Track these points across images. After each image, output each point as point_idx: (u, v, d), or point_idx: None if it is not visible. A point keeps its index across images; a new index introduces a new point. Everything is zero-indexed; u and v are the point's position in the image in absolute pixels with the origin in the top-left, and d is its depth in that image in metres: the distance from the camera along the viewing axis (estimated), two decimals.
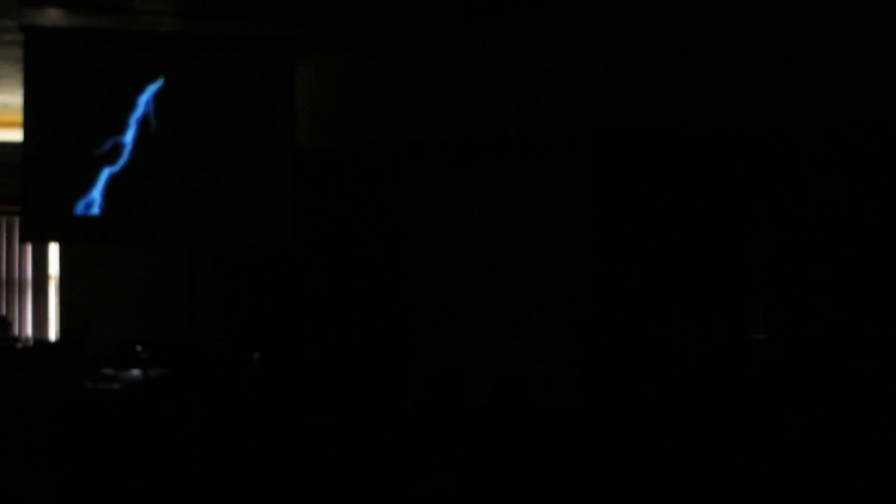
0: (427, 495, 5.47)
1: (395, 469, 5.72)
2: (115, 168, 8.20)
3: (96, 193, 8.19)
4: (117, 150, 8.20)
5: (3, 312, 11.96)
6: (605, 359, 7.64)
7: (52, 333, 11.90)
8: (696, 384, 7.29)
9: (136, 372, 8.25)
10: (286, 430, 6.40)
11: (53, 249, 11.94)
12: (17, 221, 11.70)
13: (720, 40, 6.78)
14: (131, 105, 8.19)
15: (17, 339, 10.83)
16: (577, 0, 7.35)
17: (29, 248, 12.29)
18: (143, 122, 8.21)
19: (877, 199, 6.67)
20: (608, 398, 7.54)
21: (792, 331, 7.07)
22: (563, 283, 8.52)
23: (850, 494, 5.42)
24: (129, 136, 8.20)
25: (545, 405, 6.66)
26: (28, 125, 8.09)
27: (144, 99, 8.21)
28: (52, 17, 7.95)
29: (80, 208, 8.18)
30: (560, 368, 8.21)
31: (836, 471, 5.57)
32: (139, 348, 8.64)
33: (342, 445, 5.98)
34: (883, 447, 5.65)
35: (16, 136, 9.17)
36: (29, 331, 12.14)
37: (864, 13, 6.14)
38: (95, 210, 8.18)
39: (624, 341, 7.56)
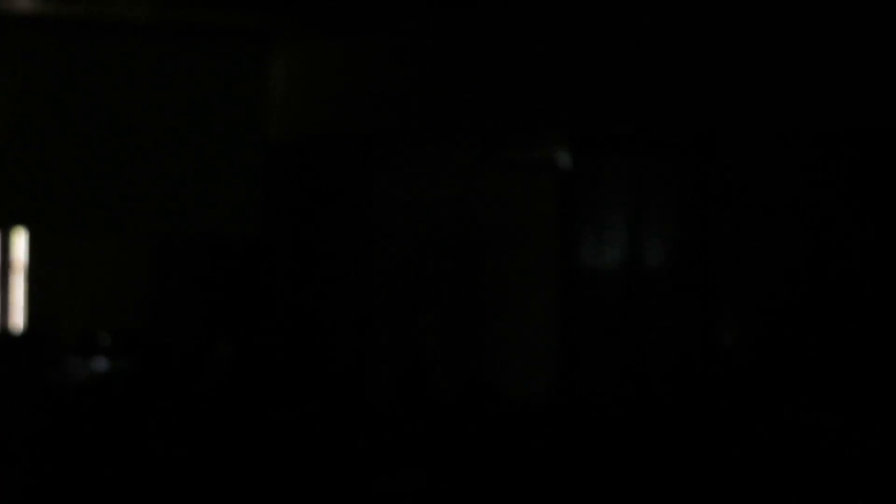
0: (394, 490, 5.46)
1: (362, 464, 5.70)
2: (83, 156, 8.14)
3: (63, 181, 8.13)
4: (86, 138, 8.14)
5: None
6: (577, 355, 7.66)
7: (20, 322, 11.78)
8: (668, 382, 7.31)
9: (101, 362, 8.19)
10: (254, 424, 6.38)
11: (21, 237, 11.84)
12: None
13: None
14: (100, 94, 8.13)
15: None
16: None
17: None
18: (113, 112, 8.15)
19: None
20: (580, 395, 7.55)
21: (761, 333, 7.10)
22: (534, 279, 8.50)
23: (821, 496, 5.44)
24: (97, 125, 8.14)
25: (517, 400, 6.66)
26: None
27: (114, 88, 8.14)
28: (21, 5, 7.87)
29: (46, 196, 8.13)
30: (531, 364, 8.20)
31: (805, 472, 5.59)
32: (107, 337, 8.57)
33: (309, 441, 5.96)
34: (855, 450, 5.68)
35: None
36: None
37: None
38: (62, 198, 8.14)
39: (598, 338, 7.59)
